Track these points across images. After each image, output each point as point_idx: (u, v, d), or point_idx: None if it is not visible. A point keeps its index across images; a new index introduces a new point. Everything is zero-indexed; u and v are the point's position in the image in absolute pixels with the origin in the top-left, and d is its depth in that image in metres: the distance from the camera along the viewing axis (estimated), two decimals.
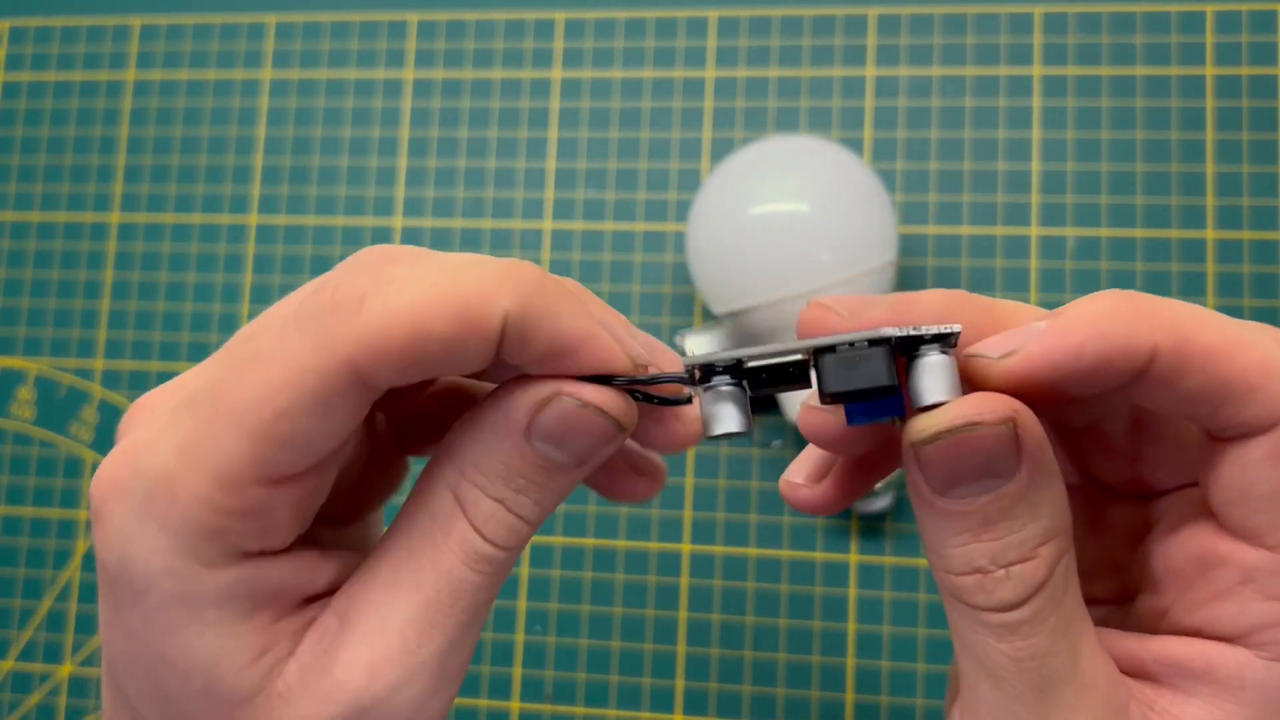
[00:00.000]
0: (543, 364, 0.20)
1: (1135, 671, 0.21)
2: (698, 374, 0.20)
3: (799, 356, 0.19)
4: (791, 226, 0.34)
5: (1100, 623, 0.22)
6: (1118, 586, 0.23)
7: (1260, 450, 0.19)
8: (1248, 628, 0.20)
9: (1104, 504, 0.23)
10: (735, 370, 0.19)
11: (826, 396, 0.19)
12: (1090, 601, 0.21)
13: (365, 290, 0.18)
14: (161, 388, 0.22)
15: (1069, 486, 0.24)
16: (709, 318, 0.40)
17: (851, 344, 0.18)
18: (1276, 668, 0.20)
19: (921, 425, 0.19)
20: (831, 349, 0.18)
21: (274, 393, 0.19)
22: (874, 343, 0.18)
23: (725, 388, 0.19)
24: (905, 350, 0.19)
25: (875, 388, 0.18)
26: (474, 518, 0.20)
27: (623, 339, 0.20)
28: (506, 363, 0.20)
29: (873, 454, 0.23)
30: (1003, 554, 0.20)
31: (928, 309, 0.20)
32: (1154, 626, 0.22)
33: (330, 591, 0.21)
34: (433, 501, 0.21)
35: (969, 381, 0.19)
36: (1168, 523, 0.22)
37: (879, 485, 0.36)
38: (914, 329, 0.18)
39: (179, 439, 0.19)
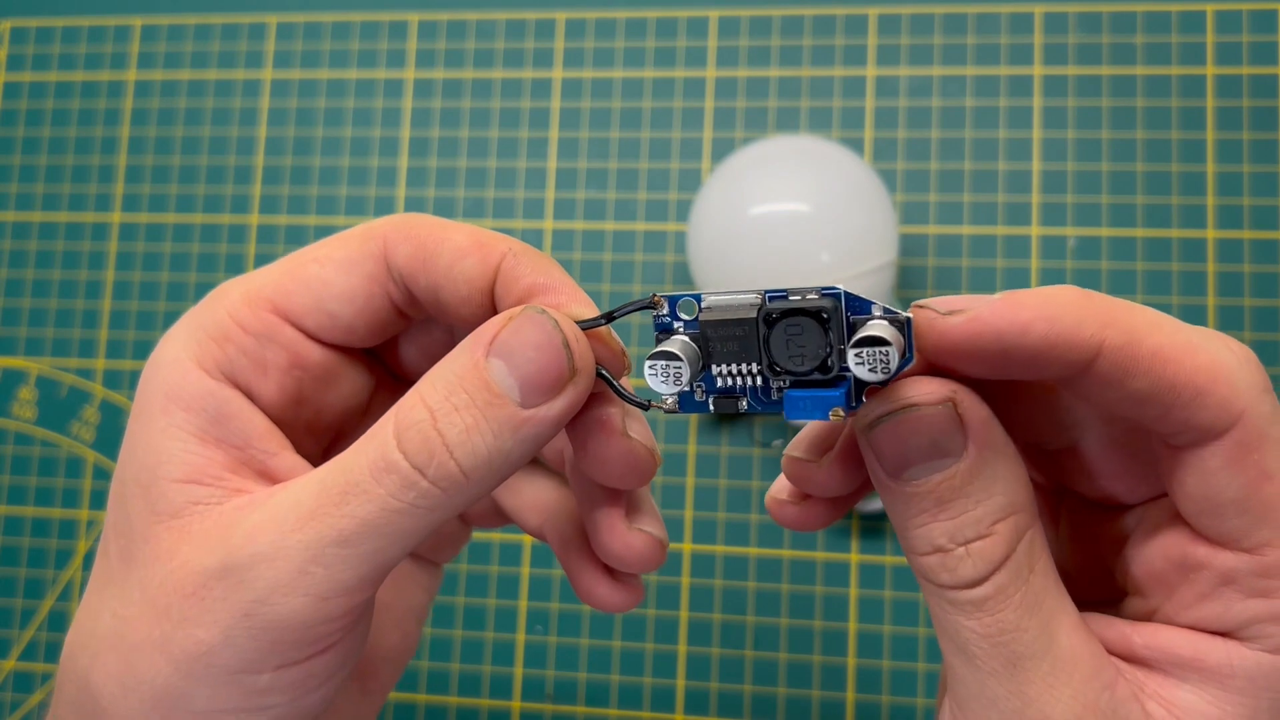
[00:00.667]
0: (523, 301, 0.22)
1: (1125, 655, 0.21)
2: (660, 301, 0.20)
3: (753, 296, 0.19)
4: (792, 226, 0.34)
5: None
6: (1107, 589, 0.23)
7: (1218, 458, 0.20)
8: (1235, 624, 0.20)
9: (1085, 513, 0.24)
10: (694, 324, 0.20)
11: (770, 351, 0.20)
12: (1081, 603, 0.22)
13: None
14: None
15: (1046, 493, 0.24)
16: None
17: (793, 310, 0.19)
18: (1265, 657, 0.20)
19: (866, 411, 0.20)
20: (783, 294, 0.19)
21: (322, 244, 0.22)
22: (817, 314, 0.19)
23: (679, 333, 0.20)
24: (853, 312, 0.19)
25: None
26: (400, 421, 0.20)
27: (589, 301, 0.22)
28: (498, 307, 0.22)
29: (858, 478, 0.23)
30: (960, 532, 0.20)
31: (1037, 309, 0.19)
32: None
33: (275, 476, 0.22)
34: (383, 418, 0.21)
35: (919, 336, 0.20)
36: (1144, 529, 0.22)
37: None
38: (864, 296, 0.19)
39: (238, 278, 0.23)
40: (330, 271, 0.22)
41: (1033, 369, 0.20)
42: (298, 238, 0.43)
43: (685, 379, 0.20)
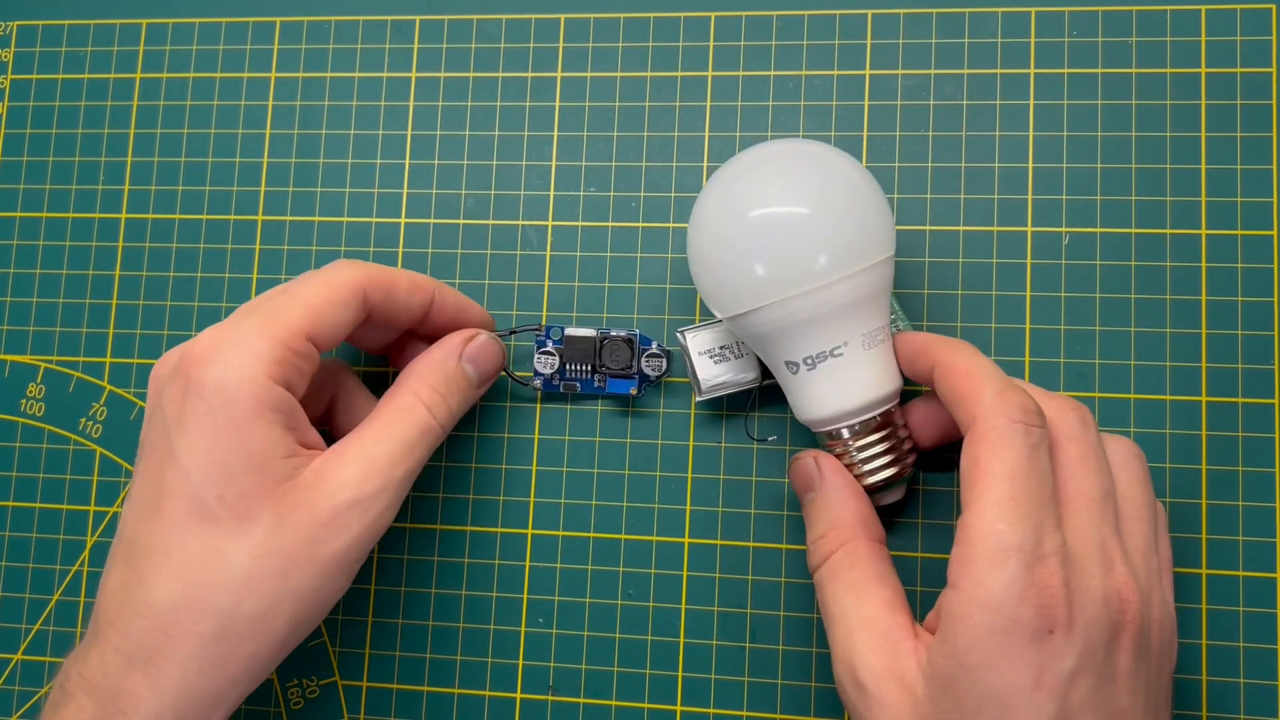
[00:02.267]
0: (451, 321, 0.38)
1: (932, 630, 0.31)
2: (541, 329, 0.40)
3: (592, 331, 0.40)
4: (790, 229, 0.34)
5: None
6: None
7: (966, 444, 0.31)
8: (951, 573, 0.30)
9: None
10: (561, 339, 0.40)
11: (604, 367, 0.40)
12: None
13: (370, 263, 0.37)
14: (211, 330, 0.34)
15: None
16: (708, 314, 0.41)
17: (613, 338, 0.40)
18: (953, 594, 0.29)
19: (791, 463, 0.38)
20: (607, 332, 0.40)
21: (324, 289, 0.34)
22: (627, 340, 0.40)
23: (549, 346, 0.40)
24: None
25: (624, 338, 0.40)
26: (428, 403, 0.35)
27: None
28: (420, 328, 0.38)
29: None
30: (813, 533, 0.35)
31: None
32: None
33: (314, 448, 0.34)
34: (401, 398, 0.35)
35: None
36: None
37: (888, 478, 0.36)
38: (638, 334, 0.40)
39: (262, 313, 0.33)
40: (338, 310, 0.34)
41: (913, 373, 0.35)
42: (303, 236, 0.44)
43: (555, 367, 0.39)
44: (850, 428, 0.35)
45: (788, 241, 0.34)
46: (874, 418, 0.35)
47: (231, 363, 0.31)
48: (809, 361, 0.35)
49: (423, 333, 0.39)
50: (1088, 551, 0.30)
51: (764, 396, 0.40)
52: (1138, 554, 0.31)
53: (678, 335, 0.39)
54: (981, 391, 0.31)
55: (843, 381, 0.35)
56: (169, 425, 0.31)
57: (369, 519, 0.32)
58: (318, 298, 0.33)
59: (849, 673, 0.31)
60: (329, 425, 0.39)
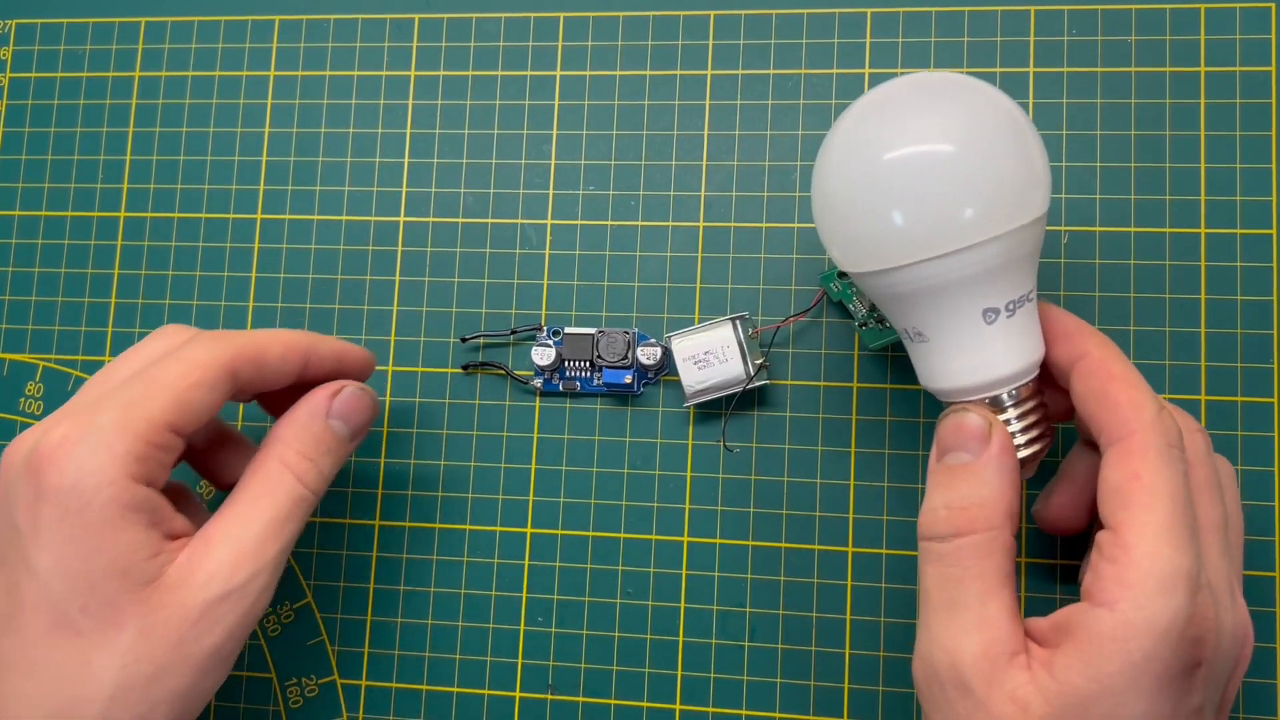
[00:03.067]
0: (331, 373, 0.36)
1: (1046, 643, 0.28)
2: (541, 328, 0.41)
3: (592, 330, 0.41)
4: (932, 172, 0.29)
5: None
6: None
7: (1113, 455, 0.29)
8: (1096, 588, 0.27)
9: None
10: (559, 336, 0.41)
11: (600, 359, 0.40)
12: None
13: (236, 331, 0.35)
14: (62, 410, 0.33)
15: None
16: (706, 314, 0.41)
17: (610, 332, 0.40)
18: (1104, 614, 0.27)
19: (944, 411, 0.31)
20: (602, 330, 0.40)
21: (190, 372, 0.32)
22: (624, 333, 0.40)
23: (550, 343, 0.40)
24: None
25: (619, 332, 0.40)
26: (296, 471, 0.33)
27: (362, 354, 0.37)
28: (303, 382, 0.35)
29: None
30: (950, 500, 0.30)
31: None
32: None
33: (181, 535, 0.31)
34: (267, 466, 0.33)
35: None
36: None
37: (1036, 452, 0.32)
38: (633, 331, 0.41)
39: (121, 404, 0.30)
40: (205, 394, 0.32)
41: (1060, 350, 0.31)
42: (301, 234, 0.44)
43: (551, 358, 0.40)
44: (1017, 390, 0.31)
45: (926, 189, 0.29)
46: (1030, 382, 0.32)
47: (86, 464, 0.29)
48: (1010, 308, 0.30)
49: (301, 385, 0.36)
50: (1219, 583, 0.28)
51: (742, 401, 0.40)
52: (1239, 580, 0.30)
53: (664, 341, 0.39)
54: (1143, 407, 0.29)
55: (1031, 330, 0.31)
56: (22, 532, 0.29)
57: (244, 608, 0.31)
58: (183, 383, 0.31)
59: (952, 668, 0.28)
60: (197, 467, 0.38)
